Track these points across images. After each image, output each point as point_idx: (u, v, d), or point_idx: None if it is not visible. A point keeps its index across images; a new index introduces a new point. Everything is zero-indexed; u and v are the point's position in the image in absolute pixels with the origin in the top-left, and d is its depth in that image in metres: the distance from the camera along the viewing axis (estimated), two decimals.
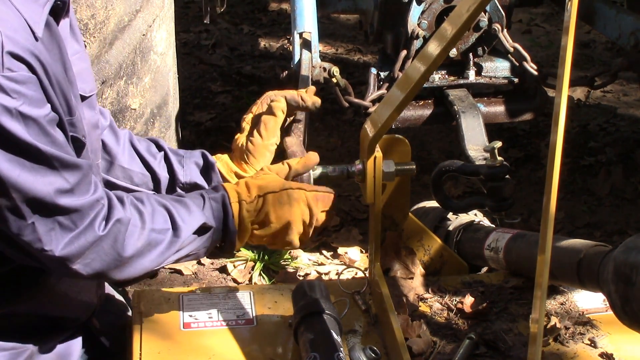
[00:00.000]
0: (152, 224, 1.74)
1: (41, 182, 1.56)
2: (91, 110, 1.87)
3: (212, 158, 2.15)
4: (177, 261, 1.83)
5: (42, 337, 1.83)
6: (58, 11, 1.68)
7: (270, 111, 2.15)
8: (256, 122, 2.16)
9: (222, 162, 2.16)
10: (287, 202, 1.89)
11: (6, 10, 1.53)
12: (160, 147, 2.13)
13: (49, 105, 1.58)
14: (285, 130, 2.26)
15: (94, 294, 1.95)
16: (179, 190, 2.10)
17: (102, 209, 1.67)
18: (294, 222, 1.90)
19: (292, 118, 2.27)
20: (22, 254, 1.64)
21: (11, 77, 1.48)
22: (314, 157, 2.05)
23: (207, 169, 2.13)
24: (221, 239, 1.87)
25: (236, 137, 2.19)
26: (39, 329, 1.83)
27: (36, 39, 1.56)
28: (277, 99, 2.17)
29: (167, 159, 2.11)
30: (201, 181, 2.11)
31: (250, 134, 2.16)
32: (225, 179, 2.13)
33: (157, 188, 2.10)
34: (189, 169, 2.11)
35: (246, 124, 2.19)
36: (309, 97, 2.20)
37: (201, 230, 1.81)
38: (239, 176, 2.13)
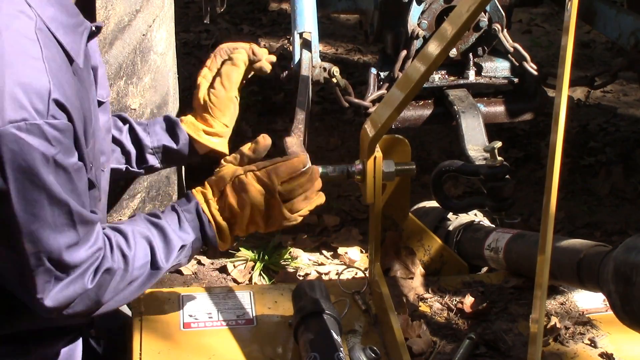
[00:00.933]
0: (134, 264, 1.74)
1: (55, 238, 1.56)
2: (105, 114, 1.87)
3: (175, 118, 2.16)
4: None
5: (43, 344, 1.83)
6: (92, 35, 1.70)
7: (232, 62, 2.14)
8: (214, 76, 2.16)
9: (187, 123, 2.17)
10: (240, 189, 1.87)
11: (51, 45, 1.53)
12: (125, 120, 2.14)
13: (76, 154, 1.58)
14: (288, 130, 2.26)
15: None
16: (148, 156, 2.11)
17: (96, 261, 1.67)
18: (255, 203, 1.87)
19: (251, 74, 2.26)
20: (9, 288, 1.65)
21: (54, 125, 1.49)
22: (263, 140, 1.97)
23: (172, 129, 2.14)
24: (202, 244, 1.88)
25: (194, 93, 2.18)
26: (40, 336, 1.82)
27: (75, 70, 1.57)
28: (238, 50, 2.16)
29: (132, 130, 2.12)
30: (169, 142, 2.13)
31: (212, 87, 2.15)
32: (194, 139, 2.14)
33: (127, 160, 2.12)
34: (154, 133, 2.13)
35: (202, 78, 2.18)
36: (261, 52, 2.18)
37: (180, 250, 1.82)
38: (207, 133, 2.14)
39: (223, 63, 2.17)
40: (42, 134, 1.47)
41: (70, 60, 1.59)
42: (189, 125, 2.15)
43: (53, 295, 1.61)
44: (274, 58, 2.25)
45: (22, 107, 1.45)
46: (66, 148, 1.53)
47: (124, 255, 1.73)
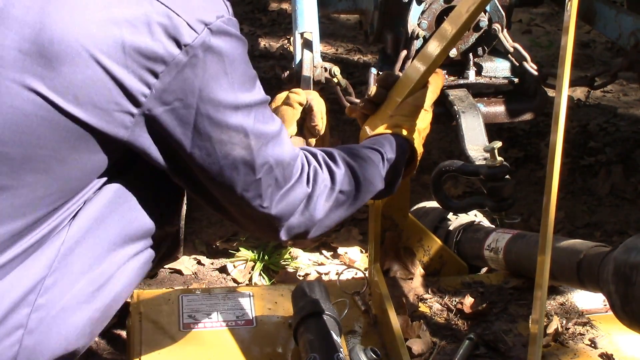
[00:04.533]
0: (340, 186, 1.69)
1: (269, 129, 1.54)
2: None
3: None
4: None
5: None
6: None
7: (287, 102, 2.13)
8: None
9: None
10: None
11: None
12: None
13: None
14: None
15: None
16: None
17: (305, 165, 1.63)
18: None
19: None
20: (225, 212, 1.60)
21: (235, 23, 1.49)
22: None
23: None
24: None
25: None
26: None
27: None
28: (297, 92, 2.15)
29: None
30: None
31: None
32: None
33: None
34: None
35: None
36: (320, 120, 2.17)
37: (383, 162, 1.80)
38: None
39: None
40: (236, 28, 1.48)
41: None
42: None
43: (277, 201, 1.56)
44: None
45: (217, 3, 1.46)
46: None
47: (330, 171, 1.68)
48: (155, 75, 1.39)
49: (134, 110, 1.40)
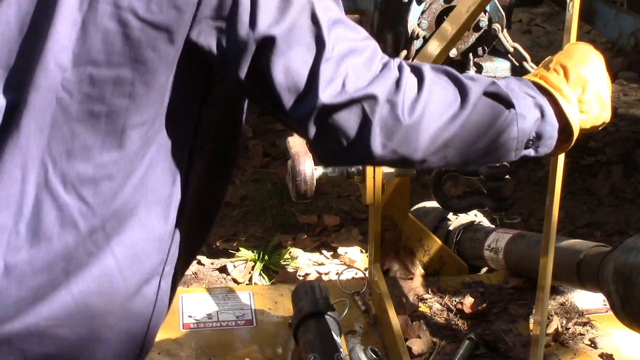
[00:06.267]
0: (430, 97, 1.27)
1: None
2: None
3: None
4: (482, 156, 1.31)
5: None
6: None
7: None
8: None
9: None
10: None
11: None
12: None
13: None
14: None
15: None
16: None
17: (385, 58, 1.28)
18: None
19: None
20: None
21: None
22: None
23: None
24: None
25: None
26: None
27: None
28: None
29: None
30: None
31: None
32: None
33: None
34: None
35: None
36: None
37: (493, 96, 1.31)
38: None
39: None
40: None
41: None
42: None
43: (367, 83, 1.22)
44: None
45: None
46: None
47: (419, 78, 1.28)
48: None
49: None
